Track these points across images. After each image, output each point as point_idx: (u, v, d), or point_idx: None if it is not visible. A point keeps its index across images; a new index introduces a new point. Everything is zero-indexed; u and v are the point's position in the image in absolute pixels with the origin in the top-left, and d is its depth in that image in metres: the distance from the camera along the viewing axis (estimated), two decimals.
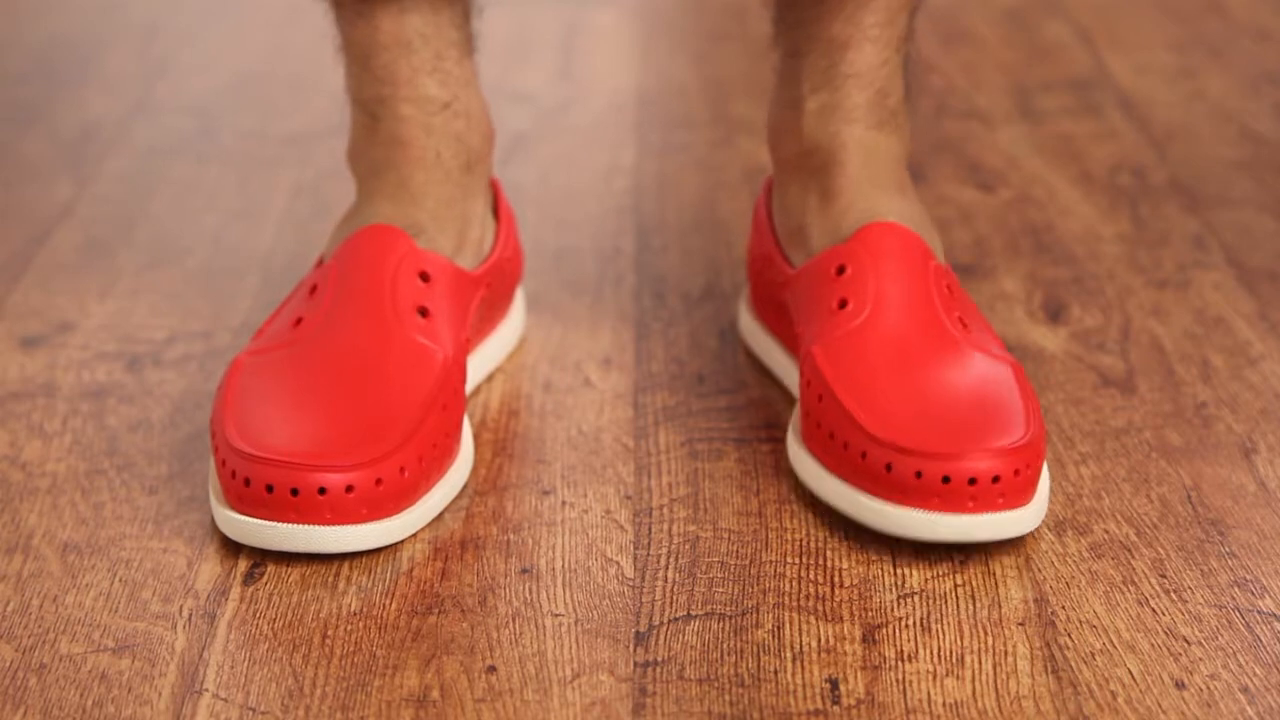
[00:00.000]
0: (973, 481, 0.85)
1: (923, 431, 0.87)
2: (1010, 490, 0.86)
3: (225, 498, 0.88)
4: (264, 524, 0.86)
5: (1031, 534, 0.90)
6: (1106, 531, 0.90)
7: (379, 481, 0.87)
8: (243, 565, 0.88)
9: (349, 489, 0.86)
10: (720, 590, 0.86)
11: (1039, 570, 0.87)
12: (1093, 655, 0.81)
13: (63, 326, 1.10)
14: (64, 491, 0.94)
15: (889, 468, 0.87)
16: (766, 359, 1.04)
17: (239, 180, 1.30)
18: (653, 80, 1.49)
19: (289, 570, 0.87)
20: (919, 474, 0.86)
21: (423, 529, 0.90)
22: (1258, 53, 1.51)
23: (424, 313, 0.95)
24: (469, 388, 1.00)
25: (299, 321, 0.95)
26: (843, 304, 0.94)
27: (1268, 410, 1.00)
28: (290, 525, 0.86)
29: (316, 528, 0.86)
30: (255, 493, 0.86)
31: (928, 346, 0.92)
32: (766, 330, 1.04)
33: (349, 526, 0.86)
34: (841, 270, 0.95)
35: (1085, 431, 0.98)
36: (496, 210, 1.05)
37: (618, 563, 0.88)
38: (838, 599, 0.85)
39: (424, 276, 0.96)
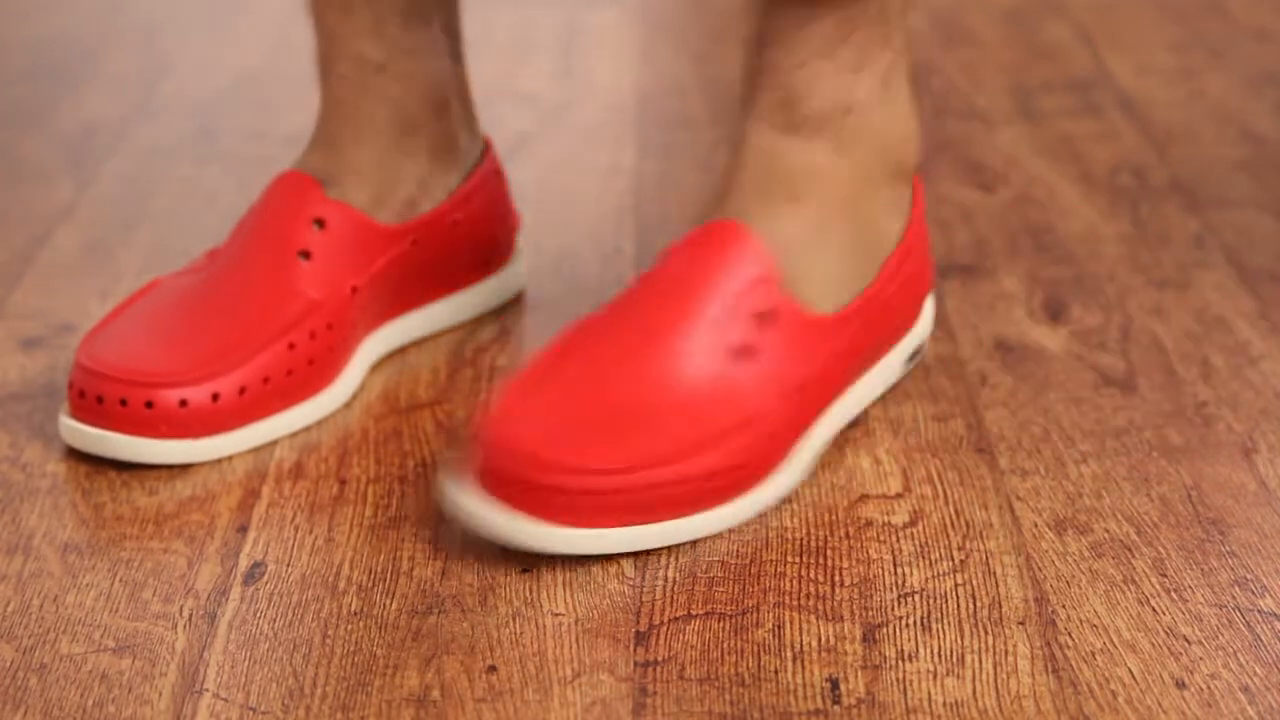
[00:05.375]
0: None
1: None
2: None
3: (66, 406, 0.97)
4: (98, 433, 0.95)
5: (1032, 534, 0.90)
6: (1107, 530, 0.90)
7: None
8: (243, 565, 0.88)
9: (182, 403, 0.94)
10: (720, 590, 0.86)
11: (1039, 569, 0.87)
12: (1093, 654, 0.81)
13: (63, 327, 1.10)
14: (64, 492, 0.94)
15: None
16: None
17: (239, 180, 1.30)
18: (653, 80, 1.49)
19: (289, 570, 0.87)
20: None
21: (423, 528, 0.90)
22: (1258, 53, 1.51)
23: (306, 255, 1.00)
24: (405, 337, 1.07)
25: (213, 253, 1.02)
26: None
27: (1268, 410, 1.00)
28: (120, 435, 0.94)
29: (145, 440, 0.94)
30: (88, 403, 0.95)
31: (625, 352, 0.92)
32: None
33: (179, 441, 0.95)
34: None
35: (1086, 431, 0.98)
36: (471, 175, 1.09)
37: (618, 562, 0.88)
38: (838, 598, 0.85)
39: (319, 223, 1.01)
